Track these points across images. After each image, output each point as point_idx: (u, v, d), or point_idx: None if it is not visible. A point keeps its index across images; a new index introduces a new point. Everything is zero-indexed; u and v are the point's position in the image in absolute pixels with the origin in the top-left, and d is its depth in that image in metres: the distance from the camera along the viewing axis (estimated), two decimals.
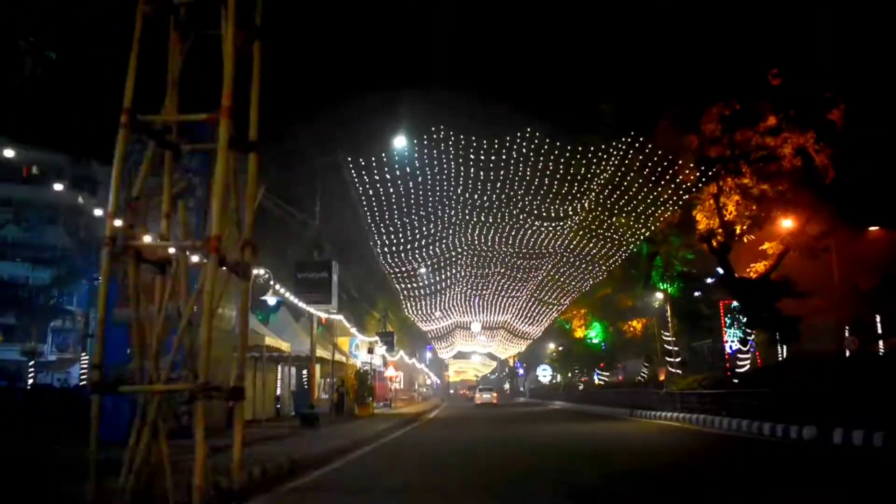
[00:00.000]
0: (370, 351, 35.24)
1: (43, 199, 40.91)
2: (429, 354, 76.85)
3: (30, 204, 41.17)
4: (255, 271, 13.98)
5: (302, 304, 21.13)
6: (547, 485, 8.42)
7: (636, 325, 32.56)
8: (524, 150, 18.17)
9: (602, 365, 42.74)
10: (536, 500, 7.40)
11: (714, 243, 19.95)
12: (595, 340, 40.43)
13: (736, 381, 18.29)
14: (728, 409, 17.22)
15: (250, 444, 6.23)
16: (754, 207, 18.65)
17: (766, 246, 19.96)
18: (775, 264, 19.68)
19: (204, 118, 6.15)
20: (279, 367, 25.30)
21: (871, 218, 22.44)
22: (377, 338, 37.02)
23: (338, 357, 28.46)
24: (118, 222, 6.16)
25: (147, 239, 6.65)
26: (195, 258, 6.72)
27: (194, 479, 5.22)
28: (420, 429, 21.29)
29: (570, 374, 50.91)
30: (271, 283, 18.40)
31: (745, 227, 19.22)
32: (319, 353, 23.01)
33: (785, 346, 21.29)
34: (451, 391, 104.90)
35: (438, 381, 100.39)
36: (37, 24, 10.22)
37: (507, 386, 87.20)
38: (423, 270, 33.09)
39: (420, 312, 41.04)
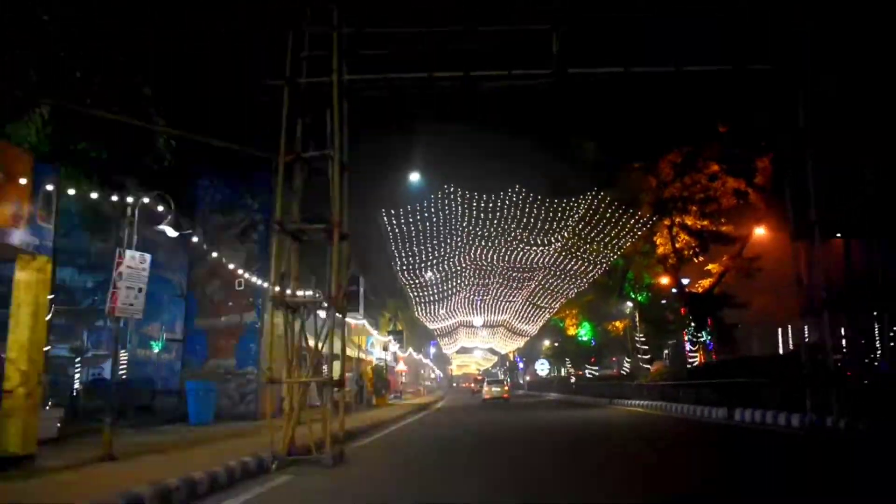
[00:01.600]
0: (385, 348, 39.73)
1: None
2: (433, 349, 79.13)
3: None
4: (309, 292, 18.31)
5: None
6: (533, 444, 12.85)
7: (618, 325, 37.05)
8: (514, 199, 22.90)
9: (593, 360, 47.10)
10: (525, 450, 11.75)
11: (668, 264, 24.54)
12: (585, 338, 44.69)
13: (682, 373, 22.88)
14: (677, 398, 21.85)
15: (303, 422, 9.80)
16: (695, 242, 23.18)
17: (710, 266, 24.55)
18: (717, 281, 24.25)
19: (321, 227, 10.66)
20: None
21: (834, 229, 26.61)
22: (390, 336, 41.37)
23: (357, 354, 32.87)
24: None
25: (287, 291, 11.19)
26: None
27: (328, 428, 9.77)
28: (433, 414, 25.86)
29: (564, 370, 55.03)
30: (323, 303, 22.73)
31: (691, 253, 23.77)
32: (347, 352, 27.37)
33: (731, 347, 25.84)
34: (454, 384, 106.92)
35: (441, 375, 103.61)
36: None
37: (507, 379, 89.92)
38: (429, 275, 37.45)
39: (428, 314, 45.24)
